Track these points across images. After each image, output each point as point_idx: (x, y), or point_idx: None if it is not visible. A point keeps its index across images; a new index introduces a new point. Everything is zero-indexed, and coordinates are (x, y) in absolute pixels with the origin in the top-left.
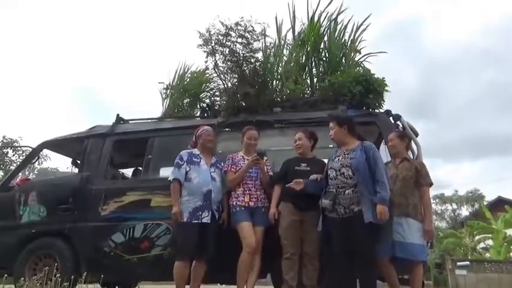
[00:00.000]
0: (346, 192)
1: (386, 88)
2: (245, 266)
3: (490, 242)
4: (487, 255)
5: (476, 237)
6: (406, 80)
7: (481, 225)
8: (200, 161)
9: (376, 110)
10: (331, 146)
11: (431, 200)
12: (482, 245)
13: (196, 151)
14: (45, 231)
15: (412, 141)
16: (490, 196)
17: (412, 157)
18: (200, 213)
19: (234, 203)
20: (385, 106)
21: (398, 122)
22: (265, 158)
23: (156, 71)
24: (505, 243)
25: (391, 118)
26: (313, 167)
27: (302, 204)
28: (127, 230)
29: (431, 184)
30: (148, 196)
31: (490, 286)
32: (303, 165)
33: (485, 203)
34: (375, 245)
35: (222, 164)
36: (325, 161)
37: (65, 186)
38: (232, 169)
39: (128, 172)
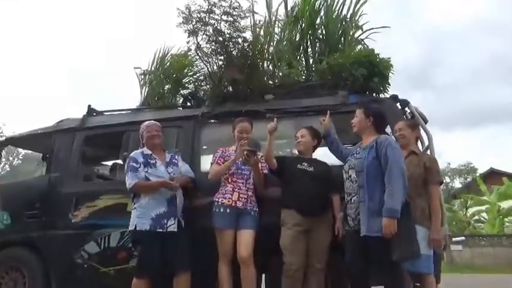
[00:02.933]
0: (353, 199)
1: (392, 70)
2: (225, 279)
3: (484, 215)
4: (481, 227)
5: (470, 211)
6: (405, 49)
7: (475, 198)
8: (156, 162)
9: (381, 95)
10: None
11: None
12: (476, 217)
13: (147, 151)
14: (10, 241)
15: (423, 131)
16: (482, 168)
17: (421, 149)
18: (165, 221)
19: (219, 200)
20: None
21: (406, 109)
22: (259, 154)
23: (134, 54)
24: (500, 216)
25: (398, 104)
26: (316, 167)
27: (309, 208)
28: (102, 239)
29: (440, 182)
30: (125, 200)
31: (486, 260)
32: (306, 164)
33: (477, 175)
34: (393, 264)
35: (177, 157)
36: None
37: (31, 190)
38: (219, 161)
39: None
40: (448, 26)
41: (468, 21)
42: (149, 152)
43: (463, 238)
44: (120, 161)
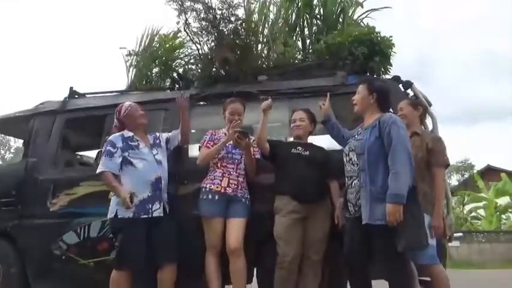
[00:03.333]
0: (353, 183)
1: (393, 50)
2: (212, 271)
3: (481, 212)
4: (478, 223)
5: (467, 207)
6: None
7: (472, 195)
8: (139, 144)
9: (383, 76)
10: None
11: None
12: (473, 214)
13: (128, 133)
14: None
15: (427, 114)
16: (479, 165)
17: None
18: (150, 205)
19: (207, 186)
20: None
21: (409, 90)
22: (251, 138)
23: (121, 35)
24: (497, 213)
25: (400, 86)
26: (312, 152)
27: (305, 193)
28: (81, 229)
29: (446, 165)
30: (106, 187)
31: (483, 257)
32: (300, 148)
33: (474, 172)
34: (397, 255)
35: (159, 136)
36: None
37: (6, 176)
38: (208, 145)
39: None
40: (442, 24)
41: (463, 20)
42: (130, 134)
43: (460, 234)
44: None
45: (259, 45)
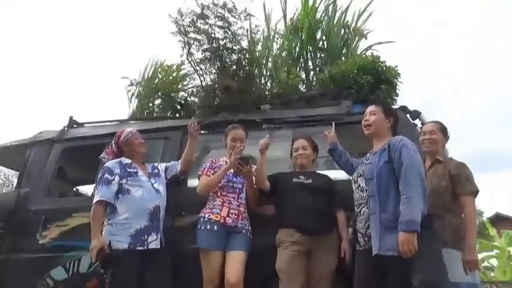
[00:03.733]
0: (362, 211)
1: (399, 79)
2: None
3: (493, 261)
4: (492, 275)
5: (479, 256)
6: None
7: (483, 243)
8: (137, 171)
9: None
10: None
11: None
12: (485, 264)
13: (126, 160)
14: None
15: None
16: (487, 212)
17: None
18: (146, 236)
19: (206, 216)
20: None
21: (417, 121)
22: (253, 166)
23: (123, 64)
24: (511, 263)
25: (408, 115)
26: (315, 180)
27: (309, 225)
28: (70, 264)
29: (475, 192)
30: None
31: None
32: (302, 177)
33: (484, 219)
34: None
35: (158, 166)
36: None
37: None
38: (208, 173)
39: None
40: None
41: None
42: (128, 161)
43: None
44: None
45: (263, 78)
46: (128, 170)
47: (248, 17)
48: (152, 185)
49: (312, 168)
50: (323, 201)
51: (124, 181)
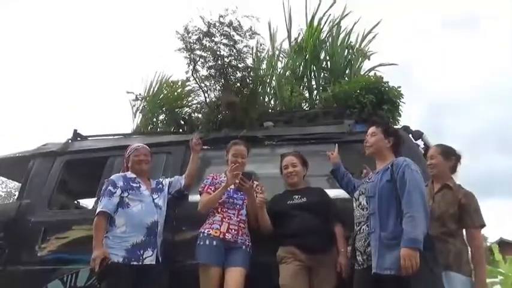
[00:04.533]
0: (362, 229)
1: (402, 100)
2: None
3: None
4: None
5: None
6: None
7: (489, 269)
8: (140, 186)
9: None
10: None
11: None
12: None
13: (130, 174)
14: None
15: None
16: (491, 238)
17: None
18: (141, 251)
19: (206, 231)
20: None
21: (420, 141)
22: (255, 182)
23: (129, 79)
24: None
25: (410, 136)
26: (310, 197)
27: (310, 243)
28: (68, 277)
29: (482, 226)
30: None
31: None
32: (297, 197)
33: (488, 244)
34: None
35: (163, 181)
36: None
37: None
38: (209, 190)
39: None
40: (448, 95)
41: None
42: (133, 175)
43: None
44: None
45: (266, 96)
46: (131, 184)
47: (253, 36)
48: (153, 200)
49: (304, 185)
50: (320, 218)
51: (125, 194)
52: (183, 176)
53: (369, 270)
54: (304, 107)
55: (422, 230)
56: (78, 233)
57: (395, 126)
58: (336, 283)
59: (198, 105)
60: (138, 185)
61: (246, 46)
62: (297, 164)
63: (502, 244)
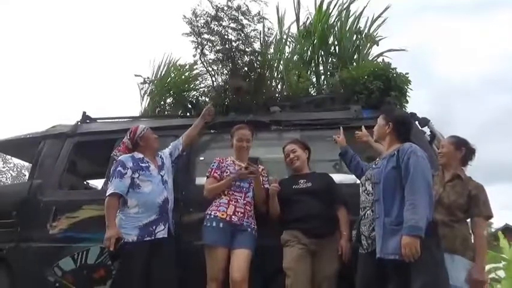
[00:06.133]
0: (367, 214)
1: (410, 86)
2: None
3: (501, 273)
4: (498, 287)
5: (486, 267)
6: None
7: (492, 254)
8: (149, 166)
9: None
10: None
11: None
12: (492, 275)
13: (138, 154)
14: None
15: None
16: (496, 223)
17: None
18: (154, 227)
19: (212, 213)
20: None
21: (426, 128)
22: (260, 166)
23: (137, 62)
24: None
25: (417, 123)
26: (315, 182)
27: (314, 227)
28: (78, 254)
29: (489, 217)
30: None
31: None
32: (302, 181)
33: (492, 230)
34: None
35: (162, 155)
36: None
37: (8, 197)
38: (215, 174)
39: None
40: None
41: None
42: (141, 155)
43: None
44: None
45: (273, 81)
46: (141, 164)
47: (261, 20)
48: (162, 177)
49: (310, 170)
50: (325, 203)
51: (136, 175)
52: (180, 140)
53: (373, 254)
54: (312, 91)
55: (423, 217)
56: (88, 213)
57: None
58: (337, 267)
59: (206, 89)
60: (147, 164)
61: (254, 30)
62: (296, 149)
63: (508, 230)
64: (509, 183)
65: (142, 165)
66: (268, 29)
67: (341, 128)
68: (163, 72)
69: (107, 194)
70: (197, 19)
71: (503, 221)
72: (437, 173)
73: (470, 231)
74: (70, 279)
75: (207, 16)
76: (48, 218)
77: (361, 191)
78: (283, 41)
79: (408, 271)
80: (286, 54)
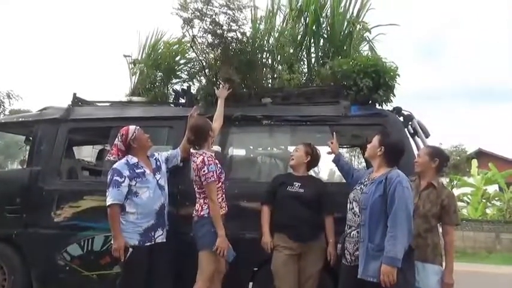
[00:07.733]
0: (352, 234)
1: (397, 80)
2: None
3: (468, 198)
4: (464, 211)
5: (456, 192)
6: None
7: (462, 180)
8: (144, 171)
9: (385, 107)
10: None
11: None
12: (461, 199)
13: (132, 159)
14: None
15: (421, 144)
16: (471, 147)
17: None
18: (153, 233)
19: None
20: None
21: (409, 123)
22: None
23: (124, 41)
24: (483, 200)
25: (401, 118)
26: (307, 189)
27: (301, 233)
28: (85, 242)
29: (457, 224)
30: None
31: (465, 244)
32: (297, 185)
33: (466, 154)
34: None
35: (159, 157)
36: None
37: (11, 183)
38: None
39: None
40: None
41: None
42: (135, 160)
43: None
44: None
45: (265, 55)
46: (136, 171)
47: (253, 7)
48: (157, 181)
49: (306, 173)
50: (313, 210)
51: (133, 183)
52: (178, 150)
53: (356, 268)
54: (303, 80)
55: (402, 249)
56: (89, 203)
57: (388, 106)
58: (321, 266)
59: (196, 69)
60: (142, 170)
61: (243, 9)
62: (299, 150)
63: (480, 154)
64: (493, 105)
65: (138, 171)
66: (260, 16)
67: (334, 134)
68: (151, 44)
69: (107, 205)
70: (187, 3)
71: (478, 144)
72: (414, 178)
73: (440, 237)
74: (79, 264)
75: (198, 1)
76: (52, 206)
77: (348, 207)
78: (274, 13)
79: None
80: (277, 30)
